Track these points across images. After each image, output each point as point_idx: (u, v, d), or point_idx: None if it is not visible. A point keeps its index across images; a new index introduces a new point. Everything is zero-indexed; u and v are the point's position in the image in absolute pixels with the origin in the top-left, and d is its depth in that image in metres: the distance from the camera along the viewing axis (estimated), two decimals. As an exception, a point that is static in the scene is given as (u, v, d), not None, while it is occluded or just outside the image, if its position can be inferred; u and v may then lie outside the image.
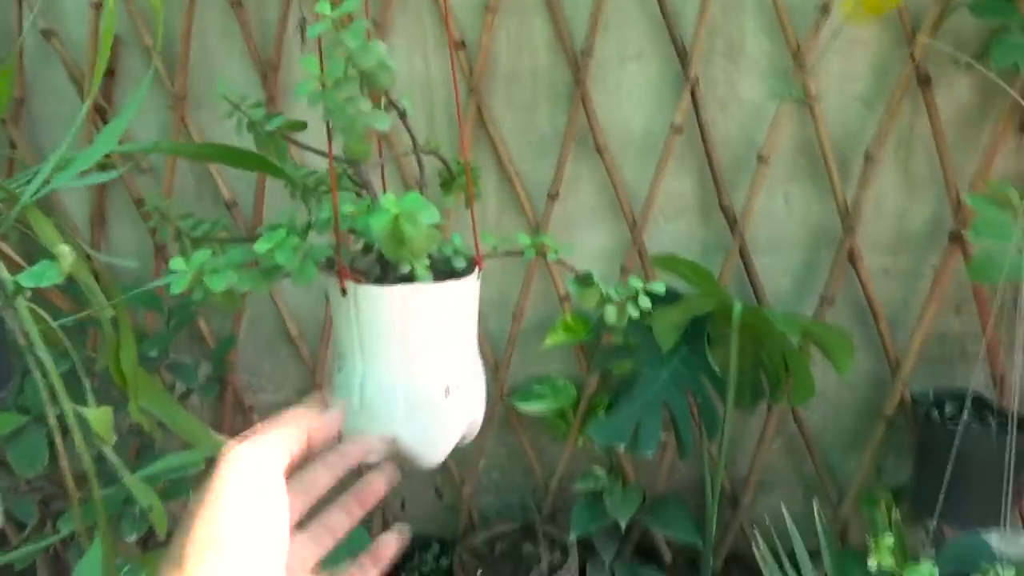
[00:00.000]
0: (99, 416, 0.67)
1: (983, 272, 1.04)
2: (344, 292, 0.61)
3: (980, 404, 1.43)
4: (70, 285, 0.84)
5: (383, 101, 0.65)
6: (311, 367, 1.68)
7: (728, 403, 1.43)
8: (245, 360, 1.71)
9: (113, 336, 0.79)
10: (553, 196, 1.49)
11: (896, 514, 1.37)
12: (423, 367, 0.63)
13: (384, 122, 0.60)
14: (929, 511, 1.38)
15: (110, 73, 1.56)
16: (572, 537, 1.55)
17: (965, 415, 1.36)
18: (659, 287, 0.77)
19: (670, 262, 1.43)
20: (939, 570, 1.09)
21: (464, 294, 0.64)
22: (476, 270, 0.65)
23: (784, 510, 1.42)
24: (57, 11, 1.54)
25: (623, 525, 1.52)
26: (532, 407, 1.59)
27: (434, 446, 0.65)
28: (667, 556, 1.69)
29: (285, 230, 0.60)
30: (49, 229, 0.65)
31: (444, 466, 1.71)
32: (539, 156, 1.50)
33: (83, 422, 0.67)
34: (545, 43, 1.44)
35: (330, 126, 0.61)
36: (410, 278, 0.63)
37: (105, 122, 1.57)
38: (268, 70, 1.50)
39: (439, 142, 0.75)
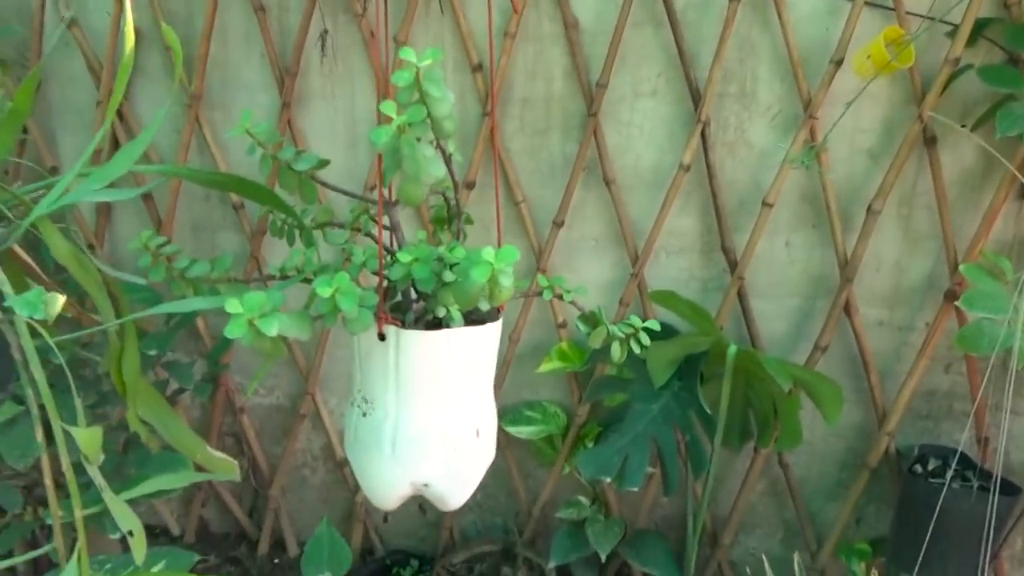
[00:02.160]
0: (88, 437, 0.67)
1: (972, 343, 1.05)
2: (382, 337, 0.62)
3: (963, 463, 1.44)
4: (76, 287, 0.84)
5: (435, 144, 0.66)
6: (304, 372, 1.69)
7: (716, 443, 1.44)
8: (239, 362, 1.71)
9: (118, 345, 0.80)
10: (559, 224, 1.50)
11: (874, 573, 1.38)
12: (458, 410, 0.65)
13: (441, 169, 0.61)
14: (907, 566, 1.39)
15: (128, 67, 1.57)
16: (551, 564, 1.55)
17: (949, 474, 1.37)
18: (654, 324, 0.78)
19: (669, 299, 1.44)
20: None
21: (493, 336, 0.66)
22: (500, 312, 0.66)
23: (763, 555, 1.43)
24: (81, 3, 1.55)
25: (603, 557, 1.53)
26: (521, 431, 1.59)
27: (465, 487, 0.66)
28: (643, 589, 1.69)
29: (346, 276, 0.60)
30: (59, 241, 0.66)
31: (428, 482, 1.71)
32: (547, 182, 1.51)
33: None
34: (561, 72, 1.46)
35: (382, 170, 0.62)
36: (436, 321, 0.64)
37: (120, 115, 1.58)
38: (286, 76, 1.51)
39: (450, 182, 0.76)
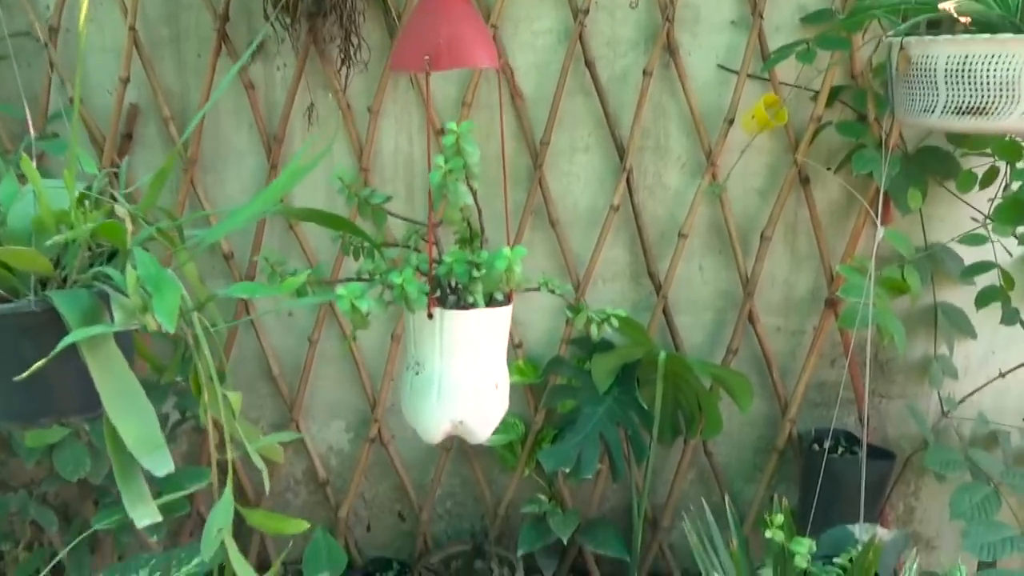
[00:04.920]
0: (235, 397, 0.91)
1: (849, 320, 1.39)
2: (431, 316, 0.89)
3: (852, 440, 1.78)
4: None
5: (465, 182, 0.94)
6: (288, 403, 1.89)
7: (654, 434, 1.72)
8: (228, 395, 1.90)
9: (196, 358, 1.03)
10: (512, 259, 1.78)
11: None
12: (484, 367, 0.92)
13: (469, 198, 0.89)
14: (814, 527, 1.69)
15: (128, 137, 1.79)
16: (519, 553, 1.79)
17: (836, 449, 1.70)
18: (622, 312, 1.07)
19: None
20: (817, 550, 1.38)
21: (508, 316, 0.93)
22: (510, 301, 0.94)
23: (695, 531, 1.71)
24: (84, 83, 1.77)
25: (565, 541, 1.78)
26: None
27: (487, 425, 0.94)
28: (596, 574, 1.94)
29: (411, 270, 0.87)
30: (192, 268, 0.90)
31: (404, 495, 1.93)
32: (502, 225, 1.79)
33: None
34: (511, 133, 1.76)
35: (431, 200, 0.89)
36: (467, 306, 0.91)
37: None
38: (272, 142, 1.76)
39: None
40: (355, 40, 1.66)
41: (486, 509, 1.94)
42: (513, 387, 1.83)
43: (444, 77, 1.73)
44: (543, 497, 1.88)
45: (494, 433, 1.84)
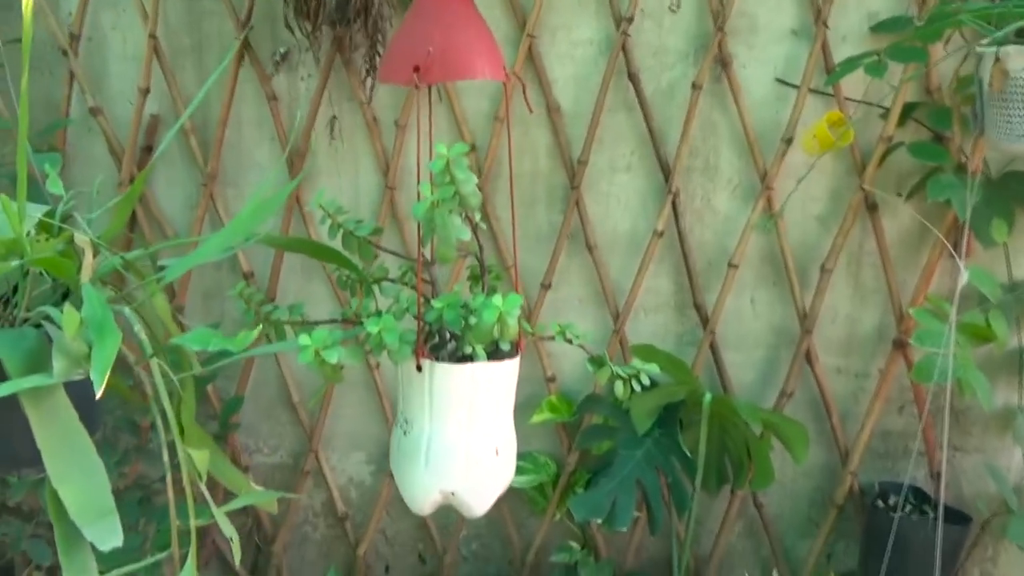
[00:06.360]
0: (201, 456, 0.79)
1: (925, 374, 1.21)
2: (419, 368, 0.76)
3: (922, 497, 1.59)
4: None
5: (463, 215, 0.81)
6: (308, 432, 1.78)
7: (696, 483, 1.56)
8: (245, 422, 1.81)
9: (179, 394, 0.92)
10: (546, 286, 1.65)
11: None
12: (481, 430, 0.78)
13: (466, 233, 0.76)
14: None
15: (147, 149, 1.71)
16: (546, 606, 1.65)
17: (903, 507, 1.51)
18: (654, 367, 0.92)
19: (648, 352, 1.59)
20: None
21: (512, 371, 0.80)
22: (519, 352, 0.80)
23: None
24: (105, 92, 1.70)
25: (595, 596, 1.63)
26: (514, 480, 1.70)
27: (484, 498, 0.80)
28: (632, 631, 1.78)
29: (391, 316, 0.74)
30: (163, 302, 0.79)
31: (427, 534, 1.81)
32: (535, 249, 1.67)
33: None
34: (546, 151, 1.63)
35: (420, 235, 0.77)
36: (465, 357, 0.78)
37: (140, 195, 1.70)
38: (295, 157, 1.66)
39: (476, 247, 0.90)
40: (381, 49, 1.55)
41: (513, 554, 1.80)
42: (545, 425, 1.71)
43: (475, 89, 1.61)
44: (575, 545, 1.73)
45: (524, 474, 1.72)
